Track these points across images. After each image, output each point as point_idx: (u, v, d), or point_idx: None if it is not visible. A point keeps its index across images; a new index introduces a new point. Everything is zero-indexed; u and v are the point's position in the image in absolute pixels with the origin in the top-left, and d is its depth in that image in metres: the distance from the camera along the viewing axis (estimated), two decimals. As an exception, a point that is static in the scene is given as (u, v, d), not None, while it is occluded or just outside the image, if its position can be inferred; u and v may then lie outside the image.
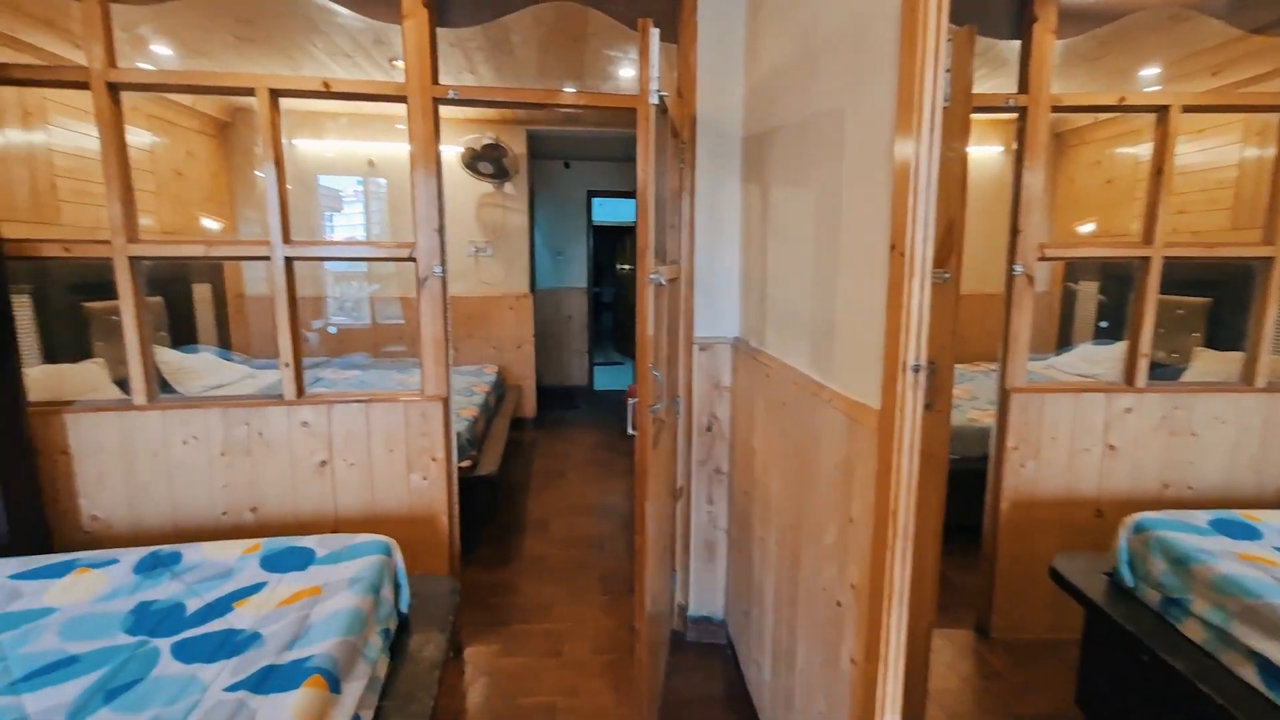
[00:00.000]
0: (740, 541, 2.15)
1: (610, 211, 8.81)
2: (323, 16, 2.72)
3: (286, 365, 2.04)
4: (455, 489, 2.23)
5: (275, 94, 1.95)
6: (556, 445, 4.87)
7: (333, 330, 5.00)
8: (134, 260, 1.93)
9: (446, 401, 2.15)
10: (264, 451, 2.05)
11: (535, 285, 6.06)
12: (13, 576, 1.40)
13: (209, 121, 4.41)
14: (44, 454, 1.95)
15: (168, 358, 3.77)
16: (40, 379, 2.82)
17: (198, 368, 3.91)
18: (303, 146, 4.76)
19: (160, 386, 3.81)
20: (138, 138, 3.76)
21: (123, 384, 3.70)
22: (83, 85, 1.86)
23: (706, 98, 2.18)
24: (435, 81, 2.02)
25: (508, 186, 5.02)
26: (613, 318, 10.31)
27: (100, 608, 1.30)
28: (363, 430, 2.09)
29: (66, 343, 3.21)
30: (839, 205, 1.30)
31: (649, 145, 1.54)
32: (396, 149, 4.82)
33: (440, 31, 3.09)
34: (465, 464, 2.99)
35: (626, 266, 9.83)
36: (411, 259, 2.05)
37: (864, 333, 1.15)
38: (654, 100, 1.49)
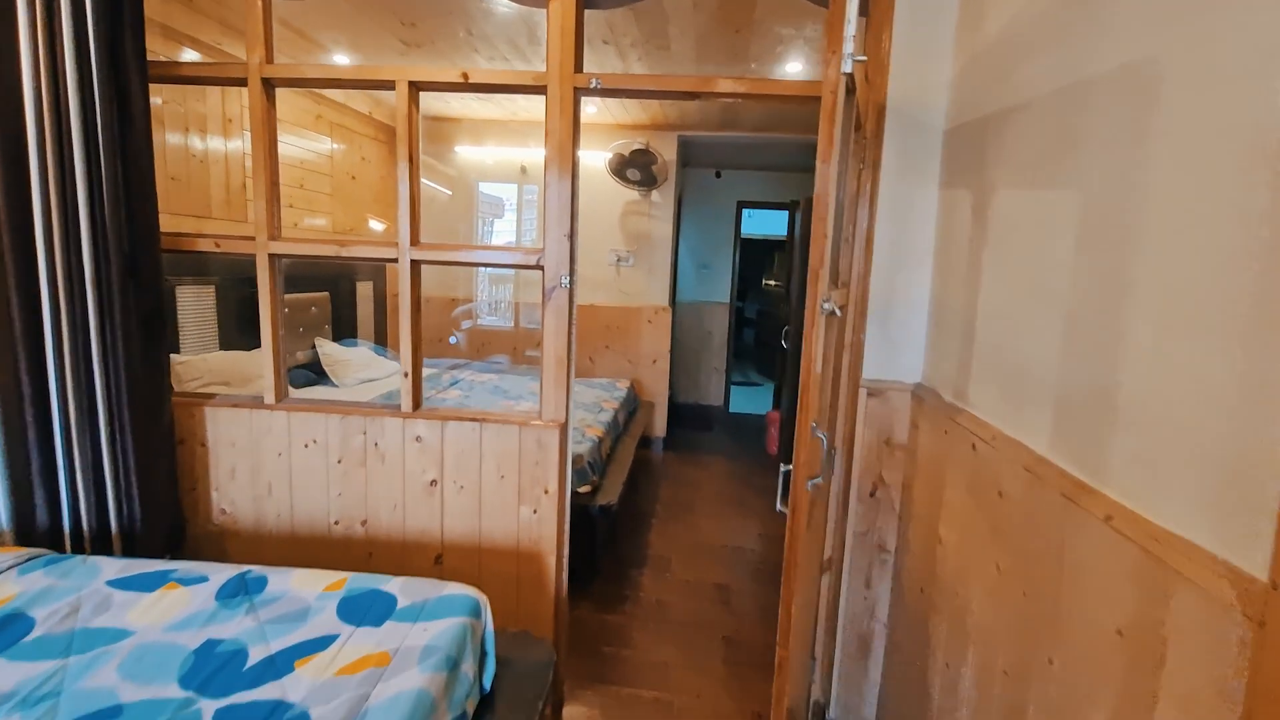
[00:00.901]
0: (909, 651, 1.67)
1: (759, 224, 8.38)
2: (478, 8, 2.65)
3: (405, 375, 1.91)
4: (567, 526, 1.98)
5: (415, 87, 1.83)
6: (686, 471, 4.55)
7: (464, 328, 5.10)
8: (274, 258, 1.91)
9: (565, 428, 1.91)
10: (377, 464, 1.94)
11: (676, 298, 5.81)
12: (110, 582, 1.35)
13: (380, 128, 4.68)
14: (185, 444, 1.99)
15: (329, 349, 3.99)
16: (215, 365, 3.04)
17: (354, 361, 4.11)
18: (464, 153, 4.91)
19: (318, 376, 4.07)
20: (320, 144, 4.03)
21: (288, 373, 4.01)
22: (240, 82, 1.86)
23: (899, 82, 1.74)
24: (579, 69, 1.79)
25: (654, 194, 4.81)
26: (755, 335, 9.83)
27: (171, 637, 1.19)
28: (474, 451, 1.91)
29: (246, 331, 3.47)
30: (1133, 212, 0.85)
31: (834, 132, 1.16)
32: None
33: (594, 26, 2.94)
34: (585, 489, 2.77)
35: (773, 283, 9.31)
36: (538, 267, 1.84)
37: (1206, 423, 0.69)
38: (846, 67, 1.11)
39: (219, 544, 2.02)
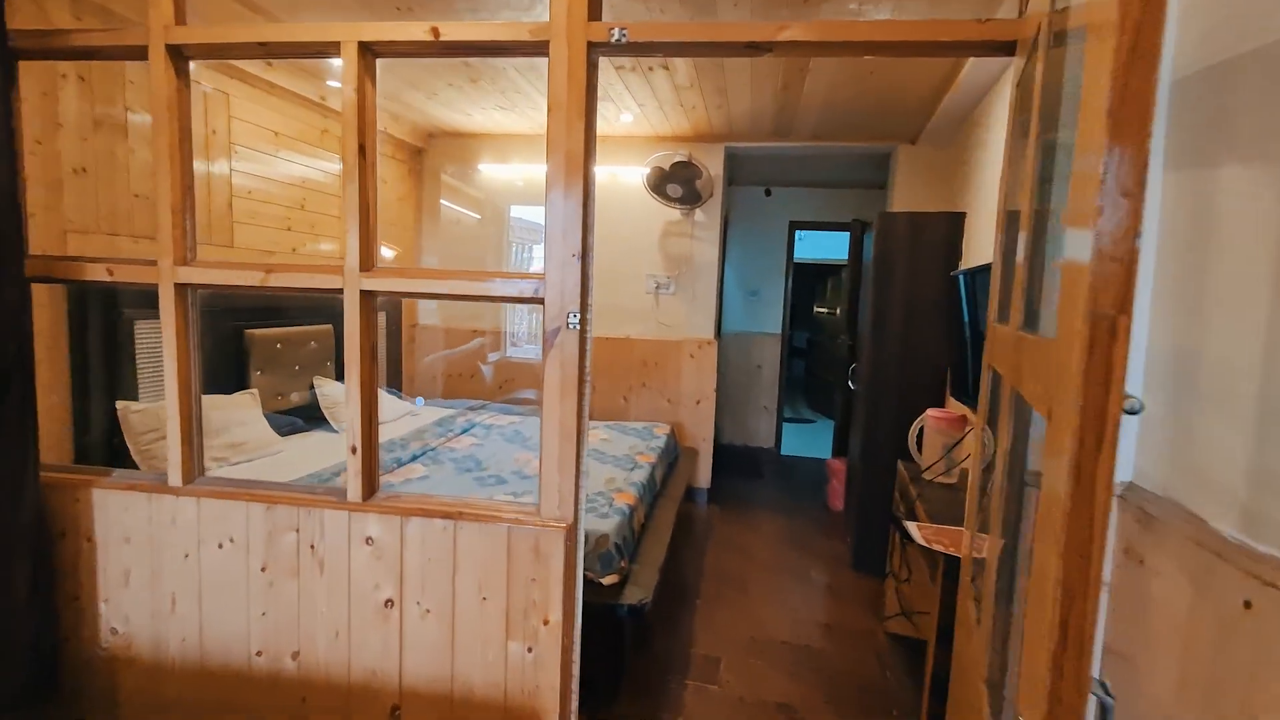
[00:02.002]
0: None
1: (810, 248, 7.68)
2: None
3: (354, 451, 1.37)
4: (576, 671, 1.38)
5: (368, 51, 1.31)
6: (735, 532, 3.89)
7: (491, 360, 4.60)
8: (182, 289, 1.40)
9: (575, 531, 1.33)
10: (313, 573, 1.39)
11: (721, 329, 5.21)
12: None
13: (400, 146, 4.28)
14: (67, 538, 1.48)
15: (329, 390, 3.53)
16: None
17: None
18: (489, 173, 4.47)
19: (315, 421, 3.62)
20: (326, 162, 3.63)
21: (275, 418, 3.57)
22: (138, 53, 1.38)
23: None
24: (595, 16, 1.24)
25: (698, 213, 4.26)
26: (805, 366, 9.11)
27: None
28: (447, 560, 1.34)
29: (228, 370, 3.03)
30: None
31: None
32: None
33: None
34: (611, 579, 2.16)
35: (824, 310, 8.61)
36: (536, 300, 1.28)
37: None
38: None
39: (108, 675, 1.49)
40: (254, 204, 3.10)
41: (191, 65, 1.41)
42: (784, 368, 5.68)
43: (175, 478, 1.44)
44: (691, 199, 4.01)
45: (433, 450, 3.10)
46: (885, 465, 3.26)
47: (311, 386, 3.48)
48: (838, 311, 7.76)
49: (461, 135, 4.41)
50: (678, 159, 3.82)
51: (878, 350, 3.25)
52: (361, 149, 1.31)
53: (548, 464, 1.30)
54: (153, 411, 2.50)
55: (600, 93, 3.19)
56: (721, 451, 4.47)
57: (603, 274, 4.39)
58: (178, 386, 1.41)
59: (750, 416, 5.73)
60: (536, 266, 4.60)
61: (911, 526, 1.69)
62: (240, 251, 3.02)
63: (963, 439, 2.14)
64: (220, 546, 1.42)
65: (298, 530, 1.39)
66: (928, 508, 1.90)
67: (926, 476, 2.16)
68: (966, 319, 2.11)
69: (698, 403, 4.33)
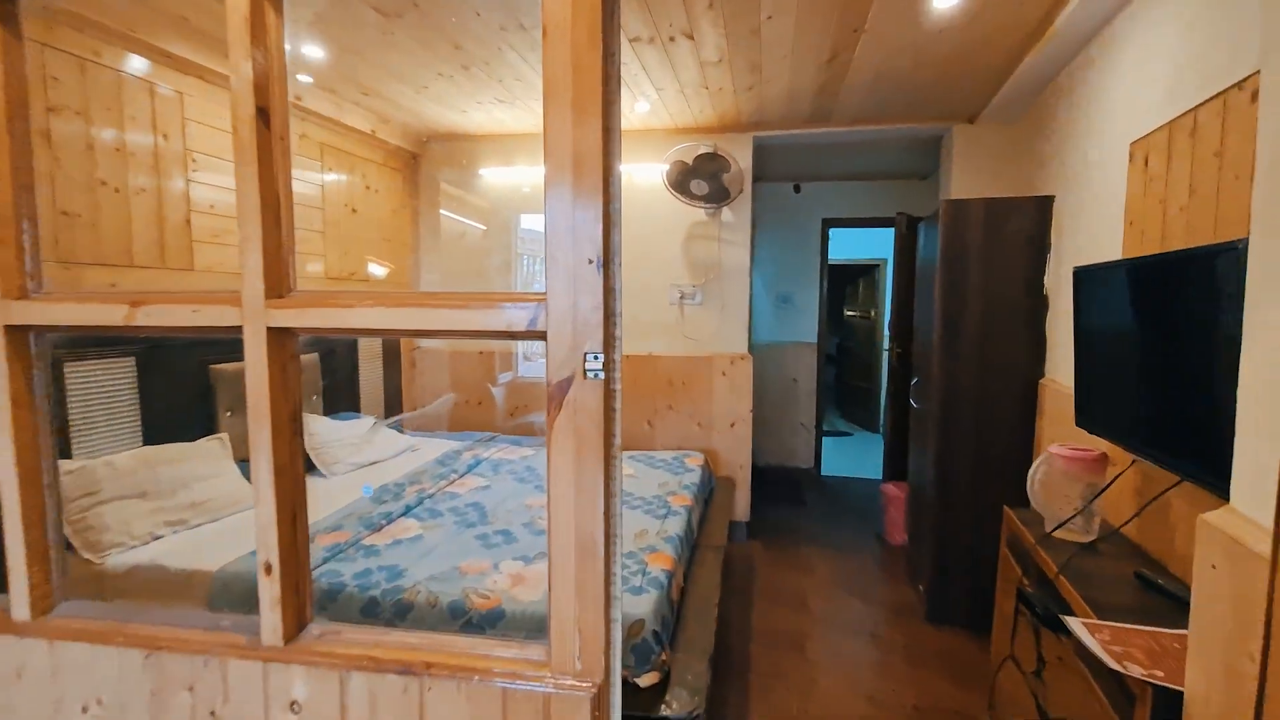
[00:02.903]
0: None
1: (837, 247, 7.10)
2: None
3: (267, 570, 0.91)
4: None
5: (268, -37, 0.86)
6: (783, 576, 3.38)
7: (501, 382, 4.15)
8: (18, 334, 0.96)
9: (606, 693, 0.85)
10: (219, 751, 0.93)
11: (752, 340, 4.73)
12: None
13: (394, 153, 3.87)
14: (-118, 694, 1.03)
15: (316, 428, 3.10)
16: (125, 469, 2.16)
17: (349, 439, 3.21)
18: (492, 179, 4.04)
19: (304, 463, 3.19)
20: (307, 172, 3.22)
21: (244, 466, 2.72)
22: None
23: None
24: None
25: (725, 213, 3.79)
26: (836, 374, 8.55)
27: None
28: (413, 734, 0.87)
29: (191, 413, 2.61)
30: None
31: None
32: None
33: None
34: (649, 679, 1.68)
35: (855, 314, 8.08)
36: (536, 335, 0.81)
37: None
38: None
39: None
40: (218, 220, 2.68)
41: (138, 62, 0.98)
42: (821, 380, 5.17)
43: (21, 608, 0.99)
44: (718, 196, 3.54)
45: (430, 498, 2.64)
46: (965, 501, 2.74)
47: (295, 425, 3.05)
48: (871, 314, 7.23)
49: (460, 137, 3.99)
50: (702, 150, 3.36)
51: (949, 362, 2.74)
52: (263, 115, 0.86)
53: (560, 591, 0.83)
54: (89, 470, 2.07)
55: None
56: (758, 475, 3.98)
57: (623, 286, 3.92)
58: (17, 475, 0.96)
59: (787, 435, 5.22)
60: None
61: (1079, 627, 1.19)
62: (201, 276, 2.60)
63: (1108, 487, 1.64)
64: (85, 711, 0.97)
65: (191, 689, 0.93)
66: (1081, 588, 1.39)
67: (1058, 535, 1.65)
68: (1100, 326, 1.61)
69: (732, 425, 3.83)
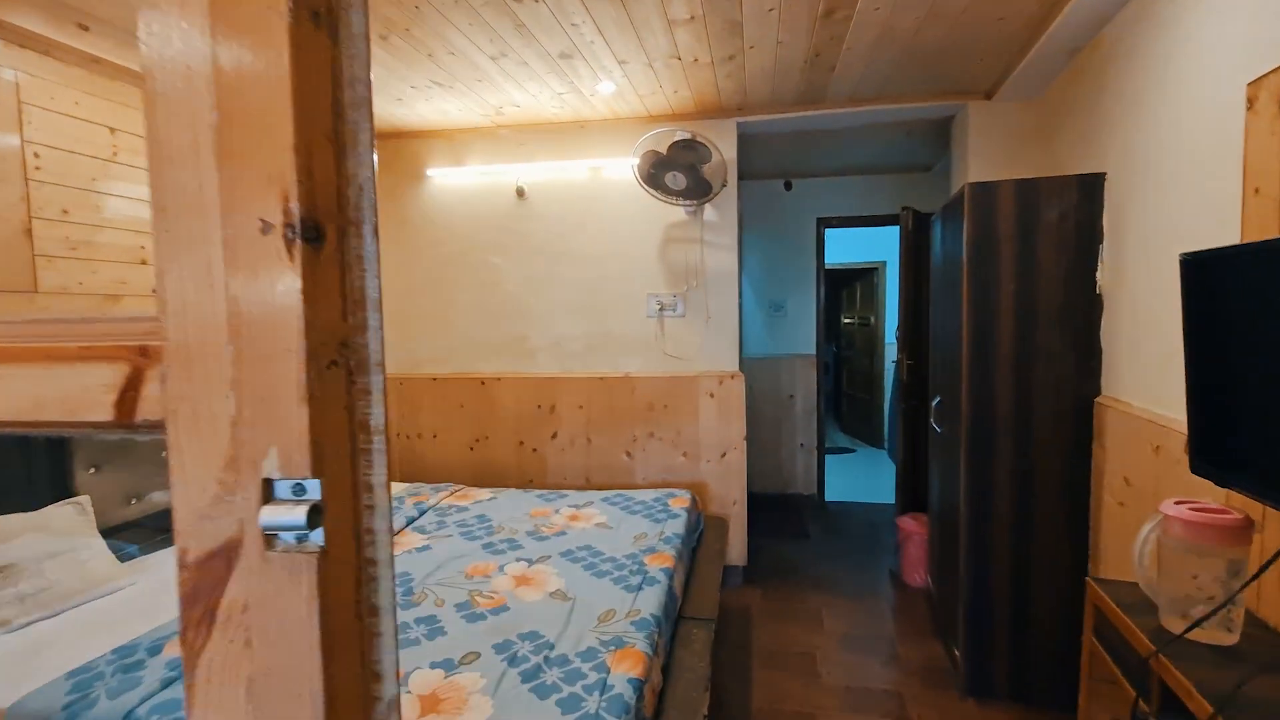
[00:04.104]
0: None
1: (837, 249, 6.60)
2: None
3: None
4: None
5: None
6: (787, 632, 2.86)
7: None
8: None
9: None
10: None
11: (742, 354, 4.24)
12: None
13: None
14: None
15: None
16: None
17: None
18: (441, 180, 3.54)
19: None
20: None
21: (117, 532, 2.03)
22: None
23: None
24: None
25: (708, 210, 3.30)
26: (832, 384, 8.05)
27: None
28: None
29: (32, 473, 2.07)
30: None
31: None
32: (552, 170, 3.39)
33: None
34: None
35: (851, 320, 7.61)
36: (143, 427, 0.30)
37: None
38: None
39: None
40: (76, 229, 2.17)
41: None
42: (821, 396, 4.67)
43: None
44: (698, 191, 3.06)
45: (439, 509, 2.11)
46: (1004, 546, 2.24)
47: (192, 477, 2.51)
48: (871, 320, 6.76)
49: (400, 135, 3.50)
50: (679, 137, 2.87)
51: (980, 378, 2.25)
52: None
53: None
54: None
55: (563, 38, 2.25)
56: (753, 503, 3.47)
57: (589, 297, 3.44)
58: None
59: (784, 458, 4.71)
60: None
61: None
62: (50, 298, 2.08)
63: (1267, 568, 1.14)
64: None
65: None
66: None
67: (1190, 636, 1.15)
68: (1239, 334, 1.12)
69: (723, 456, 3.32)
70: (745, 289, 4.55)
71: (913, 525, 3.30)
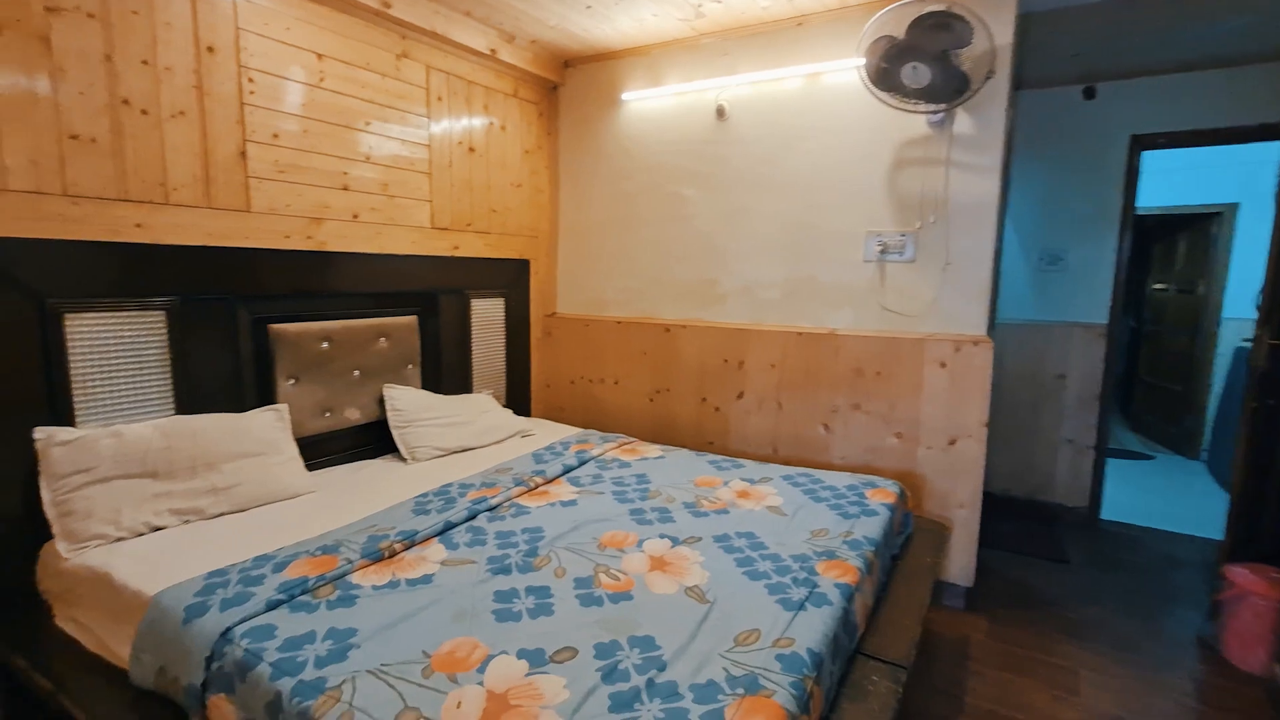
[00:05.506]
0: None
1: (1155, 185, 4.81)
2: None
3: None
4: None
5: None
6: (1021, 690, 2.11)
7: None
8: None
9: None
10: None
11: (994, 317, 3.31)
12: None
13: (523, 78, 3.25)
14: None
15: (402, 401, 2.61)
16: (134, 445, 1.83)
17: (443, 418, 2.70)
18: (636, 105, 3.22)
19: (382, 442, 2.69)
20: (409, 101, 2.72)
21: (310, 443, 2.13)
22: None
23: None
24: None
25: (962, 119, 2.48)
26: (1125, 369, 6.15)
27: None
28: None
29: (245, 380, 2.27)
30: None
31: None
32: (759, 83, 2.84)
33: None
34: None
35: (1163, 285, 5.70)
36: None
37: None
38: None
39: None
40: (286, 152, 2.28)
41: None
42: (1109, 381, 3.49)
43: None
44: (948, 89, 2.27)
45: (490, 511, 1.96)
46: None
47: (380, 399, 2.62)
48: (1199, 287, 4.94)
49: (589, 59, 3.24)
50: (929, 9, 2.12)
51: None
52: None
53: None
54: (87, 442, 1.76)
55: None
56: (989, 508, 2.66)
57: (793, 235, 2.87)
58: None
59: (1040, 454, 3.65)
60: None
61: None
62: (261, 218, 2.22)
63: None
64: None
65: None
66: None
67: None
68: None
69: (952, 443, 2.57)
70: (1007, 231, 3.52)
71: (1251, 580, 2.23)
